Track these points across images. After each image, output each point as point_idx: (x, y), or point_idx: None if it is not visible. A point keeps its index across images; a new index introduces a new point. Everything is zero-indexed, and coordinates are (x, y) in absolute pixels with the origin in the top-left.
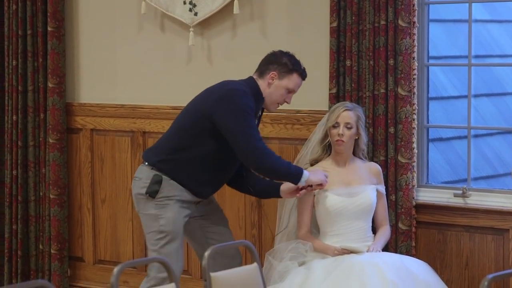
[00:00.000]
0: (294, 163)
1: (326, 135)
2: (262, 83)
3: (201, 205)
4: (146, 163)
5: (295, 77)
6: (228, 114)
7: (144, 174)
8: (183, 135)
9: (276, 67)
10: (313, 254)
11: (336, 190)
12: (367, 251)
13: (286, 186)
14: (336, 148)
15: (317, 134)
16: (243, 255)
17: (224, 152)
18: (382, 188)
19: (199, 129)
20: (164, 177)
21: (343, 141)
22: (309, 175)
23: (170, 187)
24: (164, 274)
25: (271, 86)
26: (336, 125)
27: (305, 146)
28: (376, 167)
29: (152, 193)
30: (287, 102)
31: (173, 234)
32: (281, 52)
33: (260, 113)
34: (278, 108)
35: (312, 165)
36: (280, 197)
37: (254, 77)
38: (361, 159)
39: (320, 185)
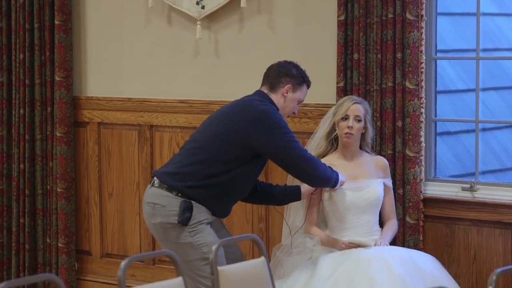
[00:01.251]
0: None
1: (333, 128)
2: (275, 97)
3: (214, 223)
4: (165, 188)
5: (305, 88)
6: (270, 137)
7: (167, 201)
8: (214, 161)
9: (289, 80)
10: (321, 248)
11: (344, 185)
12: (374, 245)
13: (305, 188)
14: (344, 141)
15: (322, 128)
16: (250, 249)
17: (252, 174)
18: (389, 182)
19: (233, 156)
20: (193, 202)
21: (352, 133)
22: (341, 179)
23: (200, 211)
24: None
25: (286, 99)
26: (345, 118)
27: (311, 139)
28: (383, 161)
29: (184, 220)
30: (294, 114)
31: (219, 258)
32: (286, 62)
33: None
34: None
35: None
36: (300, 199)
37: (265, 91)
38: (368, 152)
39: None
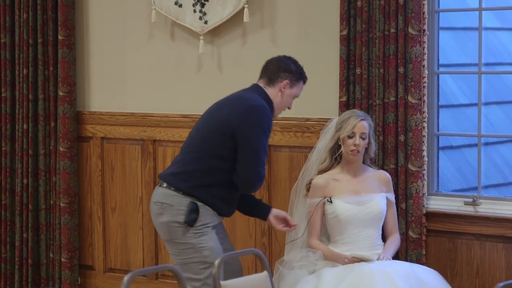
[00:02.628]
0: (302, 171)
1: (336, 144)
2: (272, 91)
3: (218, 226)
4: (172, 188)
5: (301, 84)
6: (248, 132)
7: (175, 200)
8: (210, 156)
9: (287, 75)
10: (323, 262)
11: (345, 198)
12: (377, 259)
13: (275, 213)
14: (350, 158)
15: (323, 142)
16: (253, 263)
17: None
18: (391, 196)
19: (226, 151)
20: (199, 203)
21: (358, 151)
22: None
23: (206, 214)
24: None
25: (283, 94)
26: (352, 135)
27: (311, 154)
28: (385, 175)
29: (190, 221)
30: (289, 108)
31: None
32: (285, 58)
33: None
34: (288, 116)
35: (320, 173)
36: (266, 220)
37: (261, 85)
38: (370, 167)
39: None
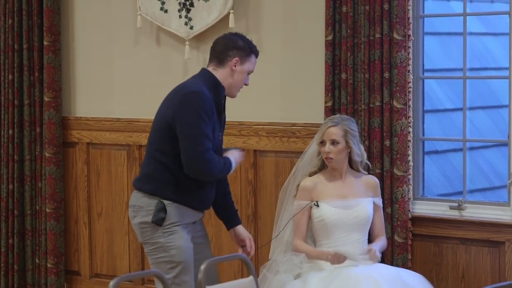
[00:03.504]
0: (291, 175)
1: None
2: (222, 72)
3: (196, 225)
4: (141, 191)
5: (253, 58)
6: (184, 119)
7: (144, 202)
8: (160, 155)
9: (236, 52)
10: (308, 265)
11: (332, 202)
12: (368, 250)
13: (239, 231)
14: (327, 164)
15: (313, 147)
16: (239, 268)
17: None
18: (379, 201)
19: (172, 144)
20: (166, 202)
21: (331, 158)
22: (234, 162)
23: (175, 212)
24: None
25: (235, 73)
26: (323, 142)
27: (300, 159)
28: (373, 179)
29: (158, 221)
30: (246, 85)
31: (185, 264)
32: (231, 34)
33: (223, 102)
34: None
35: (310, 176)
36: (228, 229)
37: (209, 68)
38: (360, 171)
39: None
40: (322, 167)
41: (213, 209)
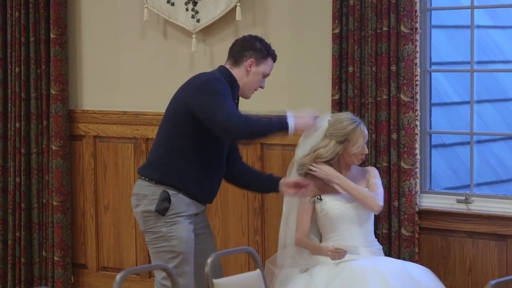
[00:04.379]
0: (292, 164)
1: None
2: (238, 72)
3: (199, 217)
4: (146, 179)
5: (269, 61)
6: (202, 99)
7: (149, 190)
8: (172, 139)
9: (252, 53)
10: (313, 260)
11: (335, 195)
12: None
13: (285, 180)
14: (356, 162)
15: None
16: (246, 261)
17: (214, 146)
18: (374, 179)
19: (186, 130)
20: (171, 192)
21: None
22: (295, 122)
23: (179, 202)
24: (168, 282)
25: (249, 73)
26: (361, 145)
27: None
28: (369, 167)
29: (162, 210)
30: (261, 87)
31: (185, 255)
32: (251, 36)
33: (236, 102)
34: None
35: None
36: (279, 191)
37: (227, 66)
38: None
39: (309, 128)
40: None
41: (259, 192)
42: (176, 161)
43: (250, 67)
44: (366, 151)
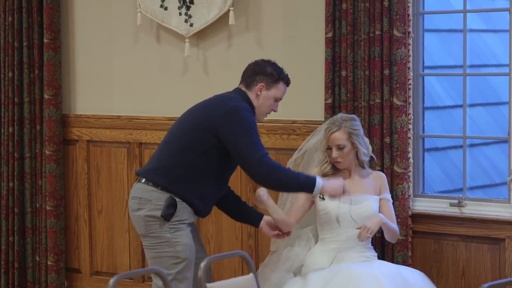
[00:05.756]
0: (287, 165)
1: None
2: (250, 95)
3: (192, 225)
4: (151, 184)
5: (281, 86)
6: (235, 131)
7: (153, 195)
8: (189, 151)
9: (262, 78)
10: (308, 262)
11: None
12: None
13: (269, 218)
14: (337, 167)
15: (314, 140)
16: (239, 265)
17: (227, 168)
18: (387, 195)
19: (207, 146)
20: (177, 199)
21: (340, 161)
22: (323, 184)
23: (183, 210)
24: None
25: (260, 97)
26: (329, 148)
27: (298, 152)
28: (380, 174)
29: (167, 216)
30: (274, 111)
31: (189, 261)
32: (263, 61)
33: None
34: (274, 118)
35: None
36: (257, 226)
37: (242, 88)
38: (368, 168)
39: (342, 193)
40: (334, 169)
41: (236, 220)
42: (188, 174)
43: (260, 91)
44: (333, 156)
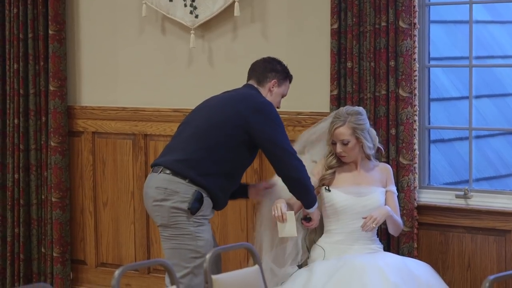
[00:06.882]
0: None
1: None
2: (262, 91)
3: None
4: (179, 176)
5: (287, 83)
6: (269, 124)
7: (181, 188)
8: (218, 145)
9: (275, 75)
10: (314, 253)
11: (345, 188)
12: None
13: (254, 187)
14: (343, 161)
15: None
16: (244, 257)
17: (248, 162)
18: (392, 187)
19: (237, 142)
20: (203, 194)
21: (344, 156)
22: (316, 207)
23: (207, 206)
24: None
25: (272, 93)
26: (334, 142)
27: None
28: (386, 166)
29: (193, 209)
30: (278, 108)
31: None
32: (271, 58)
33: None
34: (279, 110)
35: (328, 169)
36: (247, 197)
37: (254, 85)
38: (375, 160)
39: (309, 223)
40: (340, 161)
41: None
42: (215, 167)
43: (273, 87)
44: (338, 150)
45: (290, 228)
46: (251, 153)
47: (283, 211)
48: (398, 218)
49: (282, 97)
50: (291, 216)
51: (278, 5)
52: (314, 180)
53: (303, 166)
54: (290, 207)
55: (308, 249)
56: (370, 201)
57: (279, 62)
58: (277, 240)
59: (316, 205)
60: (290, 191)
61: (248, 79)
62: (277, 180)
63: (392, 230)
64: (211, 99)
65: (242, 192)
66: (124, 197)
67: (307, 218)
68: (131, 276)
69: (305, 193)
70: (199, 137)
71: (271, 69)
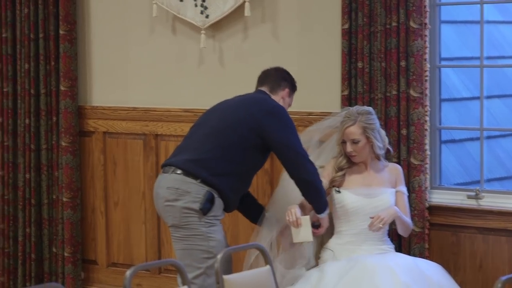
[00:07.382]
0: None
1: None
2: (274, 98)
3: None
4: (190, 176)
5: (293, 95)
6: (283, 128)
7: (193, 188)
8: (231, 147)
9: (287, 84)
10: (324, 254)
11: (355, 189)
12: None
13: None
14: (353, 160)
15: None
16: (256, 258)
17: (259, 165)
18: (402, 188)
19: (249, 144)
20: (215, 195)
21: (355, 155)
22: (326, 211)
23: (219, 206)
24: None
25: (283, 102)
26: (344, 142)
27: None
28: (396, 166)
29: (205, 209)
30: None
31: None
32: (282, 68)
33: None
34: (290, 110)
35: (338, 171)
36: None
37: (267, 92)
38: (385, 160)
39: (318, 230)
40: (350, 162)
41: (240, 211)
42: (228, 167)
43: (285, 96)
44: (348, 150)
45: (305, 233)
46: (263, 155)
47: (297, 216)
48: (406, 218)
49: (288, 107)
50: (306, 221)
51: (288, 5)
52: (324, 182)
53: (316, 169)
54: (303, 211)
55: (318, 252)
56: (381, 202)
57: (288, 73)
58: (281, 248)
59: (327, 210)
60: (303, 194)
61: (260, 85)
62: (283, 180)
63: (401, 231)
64: (224, 102)
65: (254, 212)
66: (135, 197)
67: (315, 225)
68: (142, 276)
69: (316, 196)
70: (214, 136)
71: (283, 78)
